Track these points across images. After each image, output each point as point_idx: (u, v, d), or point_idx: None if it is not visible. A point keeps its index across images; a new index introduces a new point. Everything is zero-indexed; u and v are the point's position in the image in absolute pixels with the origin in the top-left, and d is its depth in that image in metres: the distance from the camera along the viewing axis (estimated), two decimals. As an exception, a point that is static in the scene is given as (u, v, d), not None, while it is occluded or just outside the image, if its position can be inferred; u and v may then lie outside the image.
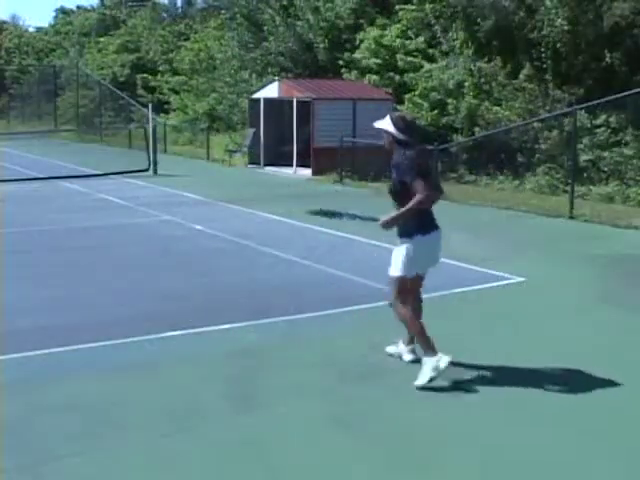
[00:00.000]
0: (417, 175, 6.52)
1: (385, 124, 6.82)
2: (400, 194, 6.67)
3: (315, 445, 5.61)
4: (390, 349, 7.34)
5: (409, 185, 6.54)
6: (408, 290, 6.86)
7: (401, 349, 7.26)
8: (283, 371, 7.12)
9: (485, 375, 6.95)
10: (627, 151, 19.19)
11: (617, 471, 5.25)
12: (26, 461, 5.27)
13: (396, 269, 6.78)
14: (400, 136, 6.72)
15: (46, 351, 7.51)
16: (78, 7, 70.20)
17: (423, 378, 6.58)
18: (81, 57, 51.98)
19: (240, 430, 5.85)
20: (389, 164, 6.84)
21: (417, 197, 6.46)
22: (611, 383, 6.77)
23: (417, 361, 6.94)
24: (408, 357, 7.20)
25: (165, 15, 54.80)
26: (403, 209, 6.59)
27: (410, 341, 7.18)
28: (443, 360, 6.54)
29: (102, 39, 52.98)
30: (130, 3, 59.07)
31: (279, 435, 5.76)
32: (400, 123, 6.77)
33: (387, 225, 6.76)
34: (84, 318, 8.72)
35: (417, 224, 6.67)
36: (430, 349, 6.63)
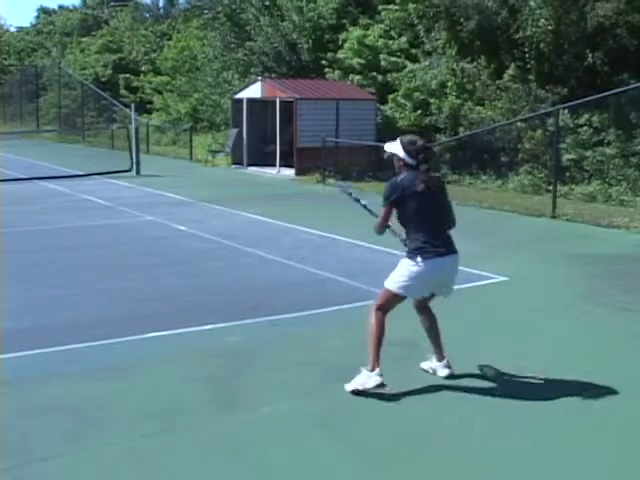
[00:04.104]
0: (389, 204, 6.69)
1: (395, 148, 6.76)
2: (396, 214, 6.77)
3: (299, 445, 5.60)
4: (424, 365, 7.13)
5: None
6: (388, 305, 6.74)
7: (435, 365, 7.05)
8: (267, 371, 7.10)
9: (469, 376, 6.95)
10: (609, 150, 19.24)
11: (601, 471, 5.26)
12: (7, 464, 5.21)
13: (389, 281, 6.72)
14: (409, 160, 6.66)
15: (29, 352, 7.47)
16: (60, 7, 70.05)
17: (350, 385, 6.53)
18: (63, 57, 51.72)
19: (224, 430, 5.82)
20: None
21: (377, 220, 6.89)
22: (594, 382, 6.78)
23: (451, 376, 6.89)
24: (443, 372, 6.97)
25: (147, 15, 54.66)
26: (377, 218, 6.96)
27: (441, 356, 7.04)
28: (372, 381, 6.45)
29: (84, 39, 52.75)
30: (112, 3, 58.87)
31: (263, 435, 5.73)
32: (409, 147, 6.69)
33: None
34: (67, 319, 8.67)
35: (421, 247, 6.59)
36: (372, 363, 6.52)
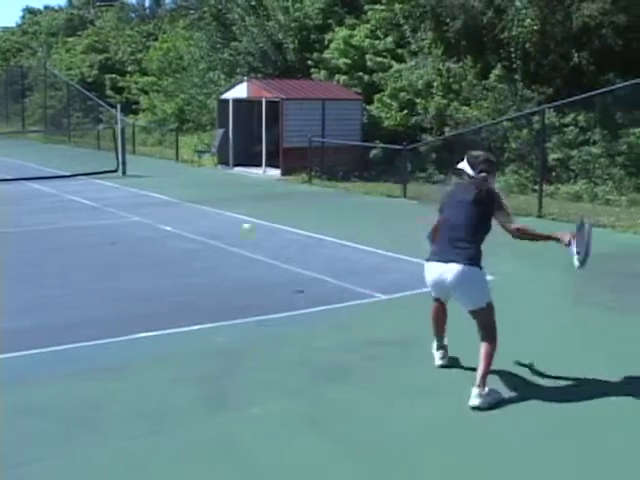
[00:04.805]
0: (439, 210, 6.89)
1: (464, 165, 6.84)
2: None
3: (289, 445, 5.59)
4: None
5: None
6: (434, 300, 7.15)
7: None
8: (256, 371, 7.10)
9: (457, 376, 6.97)
10: (595, 150, 19.30)
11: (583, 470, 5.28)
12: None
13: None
14: (470, 172, 6.77)
15: (17, 353, 7.45)
16: (45, 7, 69.76)
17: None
18: (49, 57, 51.57)
19: (213, 431, 5.82)
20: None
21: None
22: (580, 382, 6.81)
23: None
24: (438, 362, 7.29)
25: (133, 15, 54.50)
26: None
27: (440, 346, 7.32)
28: (435, 353, 7.24)
29: (70, 39, 52.59)
30: (98, 3, 58.70)
31: (252, 435, 5.73)
32: (471, 159, 6.81)
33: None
34: (56, 320, 8.66)
35: (432, 247, 6.89)
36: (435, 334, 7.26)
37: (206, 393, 6.57)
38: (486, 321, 6.62)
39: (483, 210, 6.68)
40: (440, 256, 6.67)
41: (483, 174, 6.68)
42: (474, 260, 6.57)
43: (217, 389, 6.67)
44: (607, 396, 6.51)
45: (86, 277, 10.81)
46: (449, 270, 6.56)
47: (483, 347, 6.55)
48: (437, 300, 7.12)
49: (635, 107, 18.92)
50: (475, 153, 6.91)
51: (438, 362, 7.21)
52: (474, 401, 6.25)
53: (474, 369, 6.48)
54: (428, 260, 6.79)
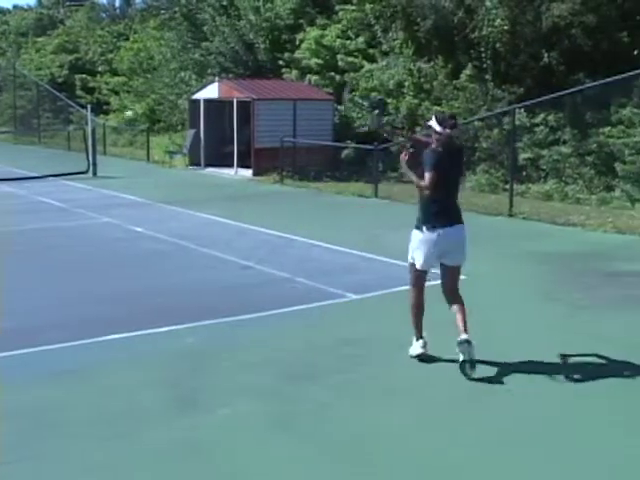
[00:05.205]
0: (429, 167, 6.92)
1: (432, 121, 7.17)
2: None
3: (258, 446, 5.56)
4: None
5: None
6: (416, 278, 7.31)
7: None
8: (225, 372, 7.07)
9: (427, 375, 6.97)
10: (565, 149, 19.40)
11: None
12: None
13: (409, 253, 7.28)
14: (437, 128, 7.04)
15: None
16: (15, 6, 69.31)
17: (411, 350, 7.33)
18: (18, 57, 51.15)
19: (182, 432, 5.77)
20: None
21: (422, 182, 6.95)
22: (550, 380, 6.83)
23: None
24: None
25: (104, 15, 54.17)
26: (412, 173, 7.16)
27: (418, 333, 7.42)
28: (416, 348, 7.27)
29: (40, 39, 52.23)
30: (68, 3, 58.29)
31: (222, 437, 5.70)
32: (439, 115, 7.27)
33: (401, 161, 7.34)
34: (22, 323, 8.54)
35: (426, 216, 7.07)
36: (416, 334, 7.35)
37: (175, 394, 6.53)
38: (458, 275, 7.29)
39: (461, 166, 7.42)
40: (447, 219, 7.05)
41: (448, 130, 7.01)
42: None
43: (186, 390, 6.63)
44: (571, 392, 6.55)
45: (54, 279, 10.72)
46: (455, 233, 7.11)
47: (461, 306, 7.10)
48: (418, 280, 7.29)
49: (604, 107, 19.04)
50: (442, 113, 7.38)
51: (419, 351, 7.26)
52: (465, 336, 6.83)
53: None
54: (431, 226, 7.01)
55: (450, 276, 7.23)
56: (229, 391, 6.60)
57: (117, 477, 5.15)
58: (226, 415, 6.10)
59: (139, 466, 5.25)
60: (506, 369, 7.05)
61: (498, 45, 21.37)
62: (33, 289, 10.13)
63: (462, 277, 7.44)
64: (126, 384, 6.78)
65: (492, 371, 6.99)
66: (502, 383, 6.77)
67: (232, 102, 24.72)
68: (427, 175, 6.87)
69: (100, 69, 43.65)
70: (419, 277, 7.32)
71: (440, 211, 7.01)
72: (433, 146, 7.05)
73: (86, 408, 6.23)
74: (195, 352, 7.62)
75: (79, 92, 42.89)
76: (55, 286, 10.33)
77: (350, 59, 26.69)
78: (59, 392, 6.57)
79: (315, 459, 5.39)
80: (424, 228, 7.03)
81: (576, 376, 6.94)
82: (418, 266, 7.18)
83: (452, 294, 7.21)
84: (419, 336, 7.32)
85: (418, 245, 7.13)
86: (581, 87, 18.56)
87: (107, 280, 10.66)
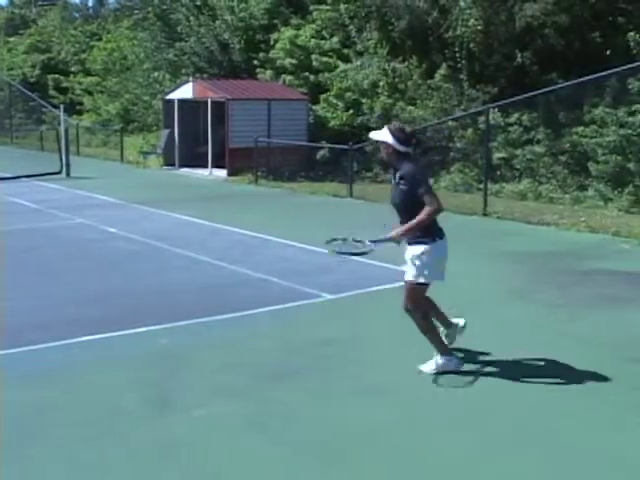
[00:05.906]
0: (429, 188, 6.54)
1: (383, 136, 6.70)
2: (410, 205, 6.61)
3: (233, 447, 5.54)
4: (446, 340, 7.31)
5: (419, 197, 6.50)
6: (424, 298, 6.97)
7: (450, 331, 7.41)
8: (200, 373, 7.03)
9: (404, 375, 6.96)
10: (538, 149, 19.49)
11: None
12: None
13: (417, 275, 6.75)
14: (401, 148, 6.63)
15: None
16: (-14, 6, 68.69)
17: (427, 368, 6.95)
18: (-10, 57, 50.84)
19: (157, 433, 5.75)
20: (392, 173, 6.80)
21: (429, 209, 6.48)
22: (529, 378, 6.85)
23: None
24: (461, 322, 7.49)
25: (77, 15, 53.88)
26: (415, 220, 6.54)
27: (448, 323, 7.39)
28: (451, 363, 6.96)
29: (11, 39, 51.88)
30: (40, 2, 57.99)
31: (197, 437, 5.66)
32: (399, 134, 6.66)
33: (401, 238, 6.71)
34: (0, 324, 8.50)
35: (434, 228, 6.73)
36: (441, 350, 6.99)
37: (150, 395, 6.49)
38: None
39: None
40: (442, 231, 6.83)
41: (410, 149, 6.72)
42: None
43: (161, 391, 6.59)
44: (550, 390, 6.57)
45: (28, 280, 10.63)
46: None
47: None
48: (426, 300, 7.08)
49: (577, 106, 19.14)
50: (401, 126, 6.87)
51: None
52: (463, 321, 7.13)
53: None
54: (440, 238, 6.78)
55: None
56: (203, 392, 6.57)
57: (94, 478, 5.10)
58: (201, 416, 6.07)
59: (115, 467, 5.21)
60: (484, 368, 7.07)
61: (472, 45, 21.45)
62: (7, 289, 10.01)
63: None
64: (101, 385, 6.73)
65: (471, 370, 7.00)
66: (480, 382, 6.78)
67: (206, 102, 24.69)
68: (431, 198, 6.50)
69: (73, 69, 43.41)
70: (426, 297, 7.06)
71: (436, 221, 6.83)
72: (406, 167, 6.64)
73: (62, 409, 6.18)
74: (170, 353, 7.58)
75: (52, 92, 42.66)
76: (29, 287, 10.23)
77: (324, 59, 26.68)
78: (36, 394, 6.51)
79: (290, 459, 5.37)
80: (436, 238, 6.73)
81: (556, 374, 6.95)
82: (436, 279, 6.85)
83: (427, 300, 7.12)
84: (444, 350, 7.01)
85: (434, 256, 6.73)
86: (554, 87, 18.66)
87: (82, 281, 10.58)
